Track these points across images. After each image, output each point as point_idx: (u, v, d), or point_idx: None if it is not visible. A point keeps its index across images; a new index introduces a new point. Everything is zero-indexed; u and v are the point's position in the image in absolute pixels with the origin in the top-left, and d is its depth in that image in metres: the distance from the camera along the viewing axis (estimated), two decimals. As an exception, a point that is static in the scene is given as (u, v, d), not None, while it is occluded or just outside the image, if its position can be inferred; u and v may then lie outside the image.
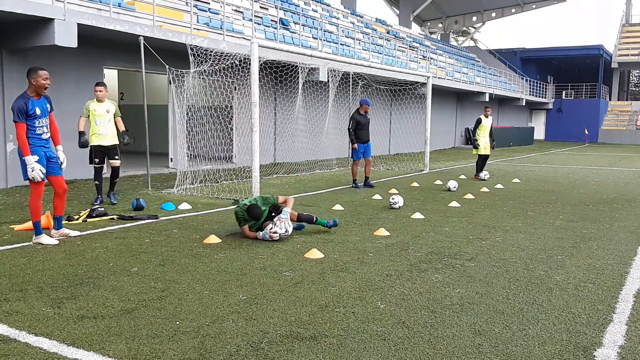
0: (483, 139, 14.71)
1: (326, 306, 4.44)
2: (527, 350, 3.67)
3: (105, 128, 9.08)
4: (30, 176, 6.18)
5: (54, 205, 6.65)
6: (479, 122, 14.66)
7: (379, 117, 23.34)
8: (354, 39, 23.66)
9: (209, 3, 17.50)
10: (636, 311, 4.44)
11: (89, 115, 9.08)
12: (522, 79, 42.74)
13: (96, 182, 9.21)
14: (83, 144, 8.87)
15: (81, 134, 8.89)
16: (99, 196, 9.19)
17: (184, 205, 8.98)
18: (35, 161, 6.18)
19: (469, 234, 7.35)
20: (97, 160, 9.15)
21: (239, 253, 6.11)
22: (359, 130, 12.02)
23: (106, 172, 9.52)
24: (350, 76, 18.79)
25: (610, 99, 48.66)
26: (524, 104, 40.22)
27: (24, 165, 6.21)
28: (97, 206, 8.33)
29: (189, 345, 3.66)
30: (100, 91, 9.03)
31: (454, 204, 9.81)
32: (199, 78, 13.18)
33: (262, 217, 6.78)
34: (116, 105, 9.35)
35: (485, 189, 12.01)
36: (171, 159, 15.44)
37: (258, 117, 9.56)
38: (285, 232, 6.73)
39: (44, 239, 6.41)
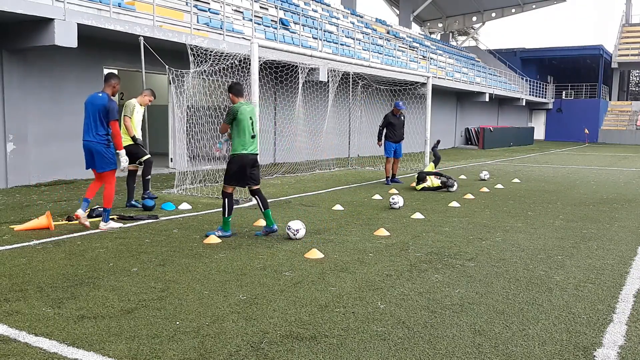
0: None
1: (326, 306, 4.44)
2: (527, 350, 3.67)
3: (140, 132, 9.08)
4: (123, 166, 7.38)
5: (92, 193, 7.32)
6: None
7: (379, 117, 23.31)
8: (354, 39, 23.66)
9: (209, 3, 17.49)
10: (636, 311, 4.44)
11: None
12: (522, 79, 42.74)
13: (130, 183, 9.06)
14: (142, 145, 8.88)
15: (135, 138, 8.76)
16: (131, 198, 9.05)
17: (184, 205, 8.98)
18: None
19: (469, 234, 7.35)
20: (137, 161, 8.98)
21: (239, 253, 6.11)
22: (390, 131, 12.79)
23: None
24: (350, 76, 18.79)
25: (610, 99, 48.66)
26: (524, 104, 40.22)
27: (105, 157, 7.18)
28: (98, 206, 8.32)
29: (189, 345, 3.66)
30: (147, 97, 8.96)
31: (454, 204, 9.81)
32: (199, 78, 13.19)
33: (241, 93, 6.84)
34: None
35: (485, 189, 12.01)
36: (171, 159, 15.44)
37: (258, 117, 9.54)
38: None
39: (113, 223, 7.43)
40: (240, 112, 6.75)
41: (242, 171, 6.83)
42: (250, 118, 6.84)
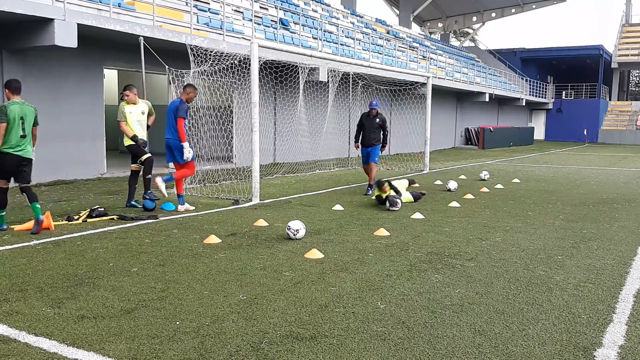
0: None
1: (326, 306, 4.44)
2: (527, 350, 3.67)
3: (141, 130, 9.02)
4: (188, 156, 8.62)
5: (180, 184, 8.92)
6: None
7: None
8: (354, 39, 23.65)
9: (209, 3, 17.49)
10: (636, 311, 4.44)
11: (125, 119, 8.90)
12: (522, 79, 42.74)
13: (132, 183, 9.12)
14: (144, 145, 8.92)
15: (136, 137, 8.81)
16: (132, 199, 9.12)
17: (185, 206, 8.98)
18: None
19: (469, 234, 7.35)
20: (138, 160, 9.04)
21: (239, 253, 6.11)
22: (362, 133, 11.32)
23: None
24: (350, 76, 18.79)
25: (610, 99, 48.65)
26: (524, 104, 40.21)
27: (180, 150, 8.62)
28: (98, 206, 8.33)
29: (189, 345, 3.66)
30: (128, 95, 8.88)
31: (454, 204, 9.81)
32: (199, 78, 13.20)
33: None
34: (150, 104, 9.26)
35: (485, 189, 12.01)
36: (171, 159, 15.42)
37: (258, 117, 9.55)
38: None
39: (187, 205, 8.88)
40: (10, 110, 6.78)
41: (5, 169, 6.92)
42: (22, 118, 6.87)
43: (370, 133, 11.21)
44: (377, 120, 11.20)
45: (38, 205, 6.98)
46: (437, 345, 3.72)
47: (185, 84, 9.05)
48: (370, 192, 11.17)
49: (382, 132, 11.32)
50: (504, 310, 4.42)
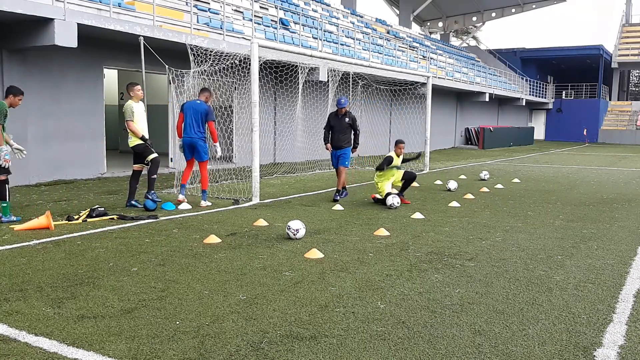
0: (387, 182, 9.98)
1: (326, 306, 4.44)
2: (527, 350, 3.67)
3: (146, 128, 9.07)
4: (219, 155, 9.45)
5: (187, 178, 9.47)
6: (389, 161, 9.86)
7: (379, 117, 23.33)
8: (354, 39, 23.65)
9: (209, 3, 17.49)
10: (636, 311, 4.44)
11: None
12: (522, 79, 42.73)
13: (133, 183, 9.10)
14: (151, 144, 9.05)
15: (145, 137, 8.90)
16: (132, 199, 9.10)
17: (184, 205, 8.98)
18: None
19: (469, 234, 7.35)
20: (144, 161, 9.03)
21: (239, 253, 6.11)
22: (331, 134, 10.42)
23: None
24: (350, 76, 18.79)
25: (610, 99, 48.66)
26: (524, 104, 40.22)
27: (204, 150, 9.20)
28: (98, 206, 8.32)
29: (189, 345, 3.66)
30: (139, 90, 8.97)
31: (454, 204, 9.81)
32: (199, 78, 13.20)
33: None
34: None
35: (485, 189, 12.01)
36: (171, 159, 15.43)
37: (258, 117, 9.55)
38: None
39: (208, 201, 9.30)
40: None
41: None
42: None
43: (340, 134, 10.31)
44: (347, 119, 10.30)
45: (4, 205, 7.57)
46: (437, 345, 3.72)
47: (199, 87, 9.68)
48: (339, 197, 10.40)
49: (352, 132, 10.49)
50: (504, 310, 4.42)
